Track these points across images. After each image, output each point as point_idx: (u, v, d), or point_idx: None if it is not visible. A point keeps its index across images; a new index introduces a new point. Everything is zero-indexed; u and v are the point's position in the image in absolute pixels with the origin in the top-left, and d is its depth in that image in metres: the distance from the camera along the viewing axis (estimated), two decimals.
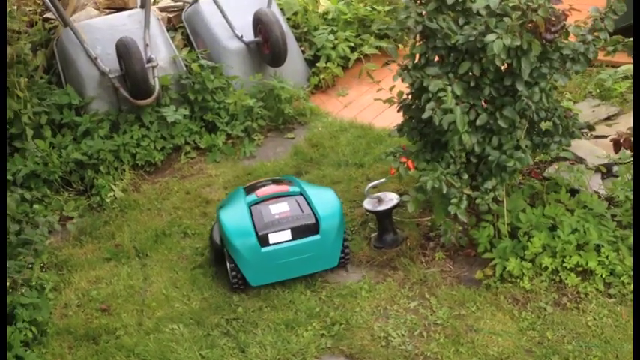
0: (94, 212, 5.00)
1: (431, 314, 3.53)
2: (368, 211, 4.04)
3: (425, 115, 3.26)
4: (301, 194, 3.97)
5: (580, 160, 4.28)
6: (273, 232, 3.75)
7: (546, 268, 3.51)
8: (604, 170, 4.08)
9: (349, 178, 4.94)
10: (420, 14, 3.36)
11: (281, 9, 6.54)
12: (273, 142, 5.69)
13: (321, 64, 6.32)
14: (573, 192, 3.96)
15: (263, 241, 3.74)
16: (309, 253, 3.79)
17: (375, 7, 6.63)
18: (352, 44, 6.39)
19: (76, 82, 5.66)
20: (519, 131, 3.44)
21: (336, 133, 5.62)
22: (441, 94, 3.15)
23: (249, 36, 6.17)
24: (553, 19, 3.08)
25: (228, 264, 3.86)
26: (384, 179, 4.09)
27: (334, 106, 6.08)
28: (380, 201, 4.01)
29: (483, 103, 3.49)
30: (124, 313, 3.90)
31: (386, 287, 3.77)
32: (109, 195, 5.08)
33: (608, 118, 4.87)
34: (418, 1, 3.48)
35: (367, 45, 6.44)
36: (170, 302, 3.96)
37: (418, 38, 3.45)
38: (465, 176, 3.43)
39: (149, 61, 5.54)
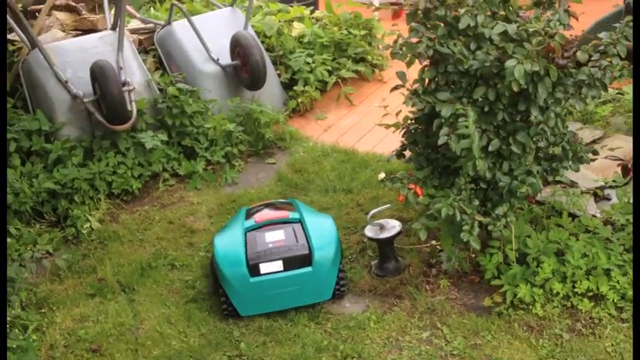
0: (70, 245, 4.75)
1: (445, 344, 3.44)
2: (370, 238, 3.94)
3: (441, 142, 3.19)
4: (300, 221, 3.84)
5: (572, 184, 4.27)
6: (264, 262, 3.65)
7: (557, 293, 3.47)
8: (601, 194, 4.09)
9: (339, 204, 4.83)
10: (431, 39, 3.30)
11: (256, 31, 6.42)
12: (255, 167, 5.55)
13: (298, 87, 6.23)
14: (571, 216, 3.94)
15: (253, 270, 3.65)
16: (300, 286, 3.69)
17: (350, 30, 6.58)
18: (329, 67, 6.32)
19: (44, 106, 5.41)
20: (529, 156, 3.40)
21: (319, 157, 5.51)
22: (460, 119, 3.08)
23: (225, 59, 6.03)
24: (565, 44, 3.07)
25: (220, 290, 3.76)
26: (388, 205, 4.00)
27: (314, 130, 5.99)
28: (382, 228, 3.92)
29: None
30: (118, 354, 3.69)
31: (394, 317, 3.66)
32: (85, 226, 4.84)
33: (593, 142, 4.90)
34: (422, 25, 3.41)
35: (345, 69, 6.37)
36: (166, 340, 3.76)
37: (427, 63, 3.37)
38: (476, 202, 3.37)
39: (124, 84, 5.34)
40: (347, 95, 6.27)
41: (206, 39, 6.06)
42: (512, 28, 3.07)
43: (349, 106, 6.26)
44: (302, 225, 3.82)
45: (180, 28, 6.21)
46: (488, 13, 3.33)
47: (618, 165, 3.55)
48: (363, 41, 6.60)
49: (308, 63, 6.27)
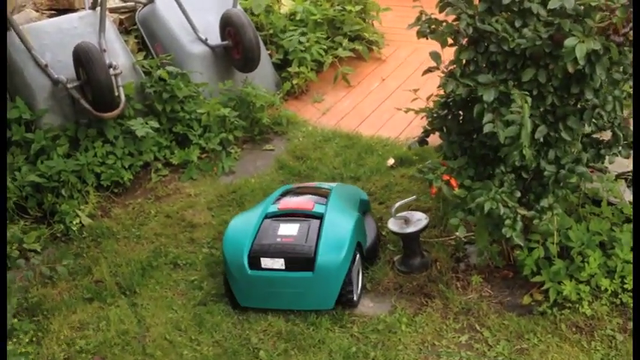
0: (60, 243, 4.37)
1: (488, 350, 3.19)
2: (394, 233, 3.65)
3: (487, 129, 2.90)
4: (321, 217, 3.55)
5: (602, 169, 4.03)
6: (266, 256, 3.43)
7: (605, 290, 3.23)
8: None
9: None
10: (471, 15, 3.00)
11: (244, 9, 6.04)
12: (252, 154, 5.21)
13: (293, 68, 5.87)
14: (599, 203, 3.70)
15: (254, 263, 3.44)
16: (300, 289, 3.46)
17: (344, 6, 6.23)
18: (324, 47, 5.98)
19: (24, 93, 4.98)
20: (578, 143, 3.14)
21: (320, 143, 5.20)
22: (513, 105, 2.79)
23: (213, 39, 5.65)
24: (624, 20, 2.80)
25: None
26: (414, 197, 3.71)
27: (311, 114, 5.66)
28: (407, 221, 3.64)
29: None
30: None
31: (427, 319, 3.39)
32: (74, 222, 4.46)
33: None
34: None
35: (341, 48, 6.04)
36: (177, 349, 3.44)
37: (465, 42, 3.07)
38: (517, 194, 3.10)
39: (110, 68, 4.93)
40: (345, 76, 5.95)
41: (192, 17, 5.66)
42: (570, 3, 2.77)
43: (347, 87, 5.94)
44: (321, 222, 3.52)
45: (164, 6, 5.79)
46: None
47: None
48: (358, 18, 6.25)
49: (301, 42, 5.92)
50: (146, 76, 5.30)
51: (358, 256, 3.58)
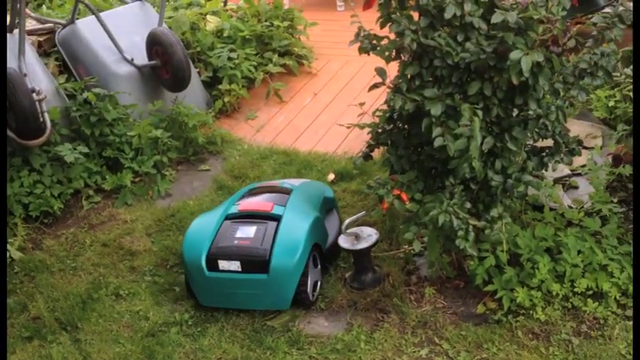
0: None
1: None
2: (345, 249, 3.62)
3: (437, 143, 2.91)
4: (278, 219, 3.61)
5: (537, 175, 4.14)
6: (224, 259, 3.49)
7: (557, 295, 3.30)
8: (575, 183, 3.98)
9: None
10: (414, 31, 3.02)
11: (169, 27, 5.90)
12: (187, 175, 5.08)
13: (224, 86, 5.78)
14: (540, 209, 3.79)
15: (212, 264, 3.51)
16: (256, 290, 3.53)
17: (272, 22, 6.19)
18: (254, 63, 5.92)
19: None
20: (523, 153, 3.20)
21: (257, 161, 5.13)
22: (464, 119, 2.81)
23: (139, 58, 5.49)
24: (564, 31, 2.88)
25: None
26: (363, 212, 3.69)
27: (245, 131, 5.58)
28: (357, 238, 3.61)
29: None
30: None
31: (385, 335, 3.37)
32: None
33: None
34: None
35: (271, 63, 5.99)
36: None
37: (409, 57, 3.09)
38: (467, 205, 3.13)
39: (34, 93, 4.71)
40: (277, 91, 5.90)
41: (116, 37, 5.49)
42: (512, 17, 2.83)
43: (280, 102, 5.90)
44: (278, 224, 3.58)
45: (85, 26, 5.59)
46: None
47: (608, 155, 3.43)
48: (286, 33, 6.23)
49: (231, 59, 5.83)
50: (70, 100, 5.10)
51: (317, 256, 3.66)
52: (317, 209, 3.82)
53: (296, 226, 3.57)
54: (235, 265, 3.47)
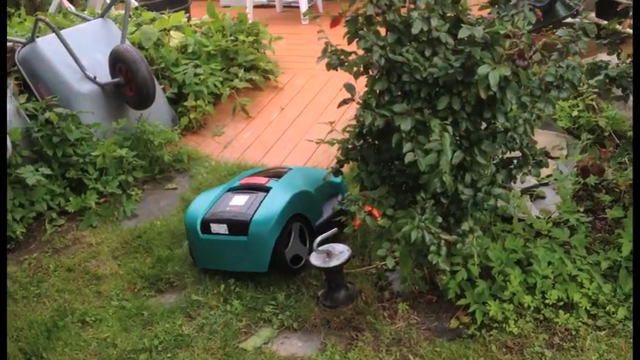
0: None
1: None
2: (317, 267, 3.57)
3: (408, 159, 2.88)
4: (268, 190, 3.95)
5: (504, 186, 4.14)
6: (215, 222, 3.84)
7: (528, 307, 3.29)
8: (542, 194, 4.00)
9: None
10: (382, 47, 2.99)
11: (132, 43, 5.82)
12: (154, 195, 4.99)
13: (189, 102, 5.71)
14: (509, 220, 3.79)
15: (205, 227, 3.86)
16: (238, 252, 3.81)
17: (237, 37, 6.14)
18: (220, 78, 5.86)
19: None
20: (492, 166, 3.19)
21: (225, 177, 5.05)
22: (434, 135, 2.79)
23: (102, 76, 5.40)
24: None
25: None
26: (335, 229, 3.64)
27: (213, 148, 5.51)
28: (329, 255, 3.56)
29: None
30: None
31: (359, 354, 3.32)
32: None
33: None
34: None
35: (237, 79, 5.94)
36: None
37: (376, 73, 3.06)
38: (439, 219, 3.10)
39: None
40: (243, 107, 5.85)
41: (78, 55, 5.38)
42: (479, 32, 2.82)
43: (247, 118, 5.84)
44: (266, 194, 3.91)
45: (46, 44, 5.48)
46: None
47: (575, 166, 3.45)
48: (251, 48, 6.18)
49: (196, 75, 5.77)
50: (32, 120, 4.98)
51: (304, 230, 3.95)
52: (309, 186, 4.06)
53: (279, 196, 3.88)
54: (223, 228, 3.80)
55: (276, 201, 3.83)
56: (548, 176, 4.07)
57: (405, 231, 2.97)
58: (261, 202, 3.84)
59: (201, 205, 3.97)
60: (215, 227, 3.82)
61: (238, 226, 3.76)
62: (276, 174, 4.19)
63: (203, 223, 3.85)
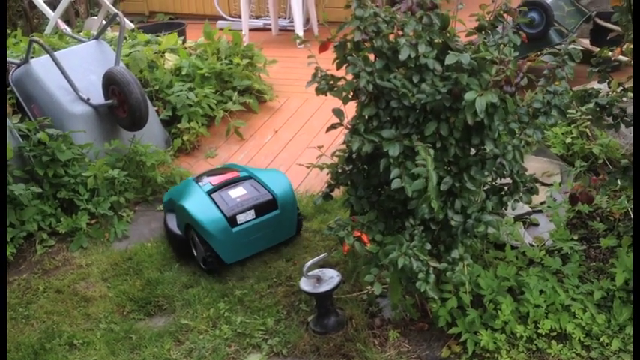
0: None
1: None
2: (307, 292, 3.55)
3: (394, 186, 2.88)
4: (251, 177, 4.35)
5: (497, 213, 4.13)
6: (239, 213, 4.10)
7: (520, 337, 3.26)
8: (535, 221, 3.99)
9: None
10: (370, 72, 3.00)
11: (126, 65, 5.84)
12: (145, 216, 4.97)
13: (183, 124, 5.71)
14: (502, 247, 3.77)
15: (232, 222, 4.08)
16: (272, 228, 4.20)
17: (232, 60, 6.17)
18: (214, 101, 5.87)
19: None
20: (482, 192, 3.19)
21: None
22: (417, 158, 2.79)
23: (95, 98, 5.41)
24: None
25: (197, 249, 4.19)
26: (324, 254, 3.63)
27: (205, 170, 5.48)
28: (319, 280, 3.54)
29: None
30: None
31: None
32: None
33: None
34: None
35: (231, 101, 5.95)
36: None
37: (365, 98, 3.06)
38: (428, 246, 3.09)
39: None
40: (237, 129, 5.85)
41: (72, 76, 5.40)
42: (465, 58, 2.83)
43: (240, 140, 5.84)
44: (255, 180, 4.32)
45: (40, 66, 5.49)
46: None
47: (566, 193, 3.44)
48: (246, 71, 6.20)
49: (190, 97, 5.77)
50: (24, 140, 4.97)
51: None
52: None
53: (271, 174, 4.44)
54: (251, 214, 4.11)
55: (275, 177, 4.35)
56: (541, 203, 4.06)
57: (392, 258, 2.95)
58: (262, 184, 4.26)
59: (208, 208, 4.14)
60: (241, 217, 4.10)
61: (266, 205, 4.16)
62: (229, 171, 4.51)
63: (229, 219, 4.07)
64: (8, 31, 7.34)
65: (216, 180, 4.35)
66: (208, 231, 4.05)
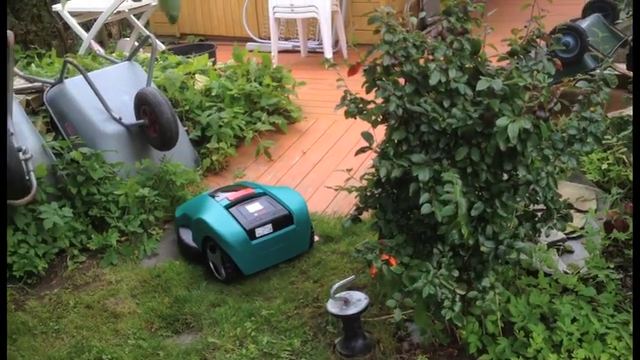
0: None
1: None
2: (334, 315, 3.56)
3: (424, 210, 2.88)
4: (265, 194, 4.54)
5: (530, 239, 4.09)
6: (258, 226, 4.29)
7: None
8: (570, 248, 3.95)
9: (280, 272, 4.43)
10: (399, 97, 3.03)
11: (158, 86, 5.93)
12: (174, 234, 5.02)
13: (212, 144, 5.78)
14: (535, 273, 3.73)
15: (251, 235, 4.25)
16: (287, 242, 4.38)
17: (261, 81, 6.24)
18: (243, 121, 5.94)
19: None
20: (514, 218, 3.18)
21: None
22: (447, 186, 2.80)
23: (127, 117, 5.50)
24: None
25: (215, 260, 4.37)
26: (352, 277, 3.63)
27: None
28: (346, 302, 3.55)
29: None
30: None
31: None
32: None
33: None
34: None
35: (260, 122, 6.01)
36: None
37: (394, 122, 3.09)
38: (456, 273, 3.07)
39: (20, 152, 4.68)
40: (266, 149, 5.91)
41: (105, 97, 5.50)
42: (497, 84, 2.84)
43: (268, 161, 5.89)
44: (270, 196, 4.51)
45: (73, 85, 5.60)
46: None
47: (601, 219, 3.39)
48: (275, 92, 6.27)
49: (220, 118, 5.85)
50: (57, 158, 5.07)
51: None
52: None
53: (285, 191, 4.65)
54: (268, 228, 4.29)
55: (289, 193, 4.56)
56: (581, 229, 3.99)
57: (417, 286, 2.94)
58: (277, 200, 4.43)
59: (227, 220, 4.31)
60: (260, 231, 4.27)
61: (282, 220, 4.34)
62: (245, 187, 4.70)
63: (248, 232, 4.23)
64: (42, 52, 7.52)
65: (232, 196, 4.51)
66: (229, 243, 4.20)
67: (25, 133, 5.06)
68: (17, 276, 4.47)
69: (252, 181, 5.60)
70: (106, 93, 5.51)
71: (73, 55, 6.60)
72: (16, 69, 5.92)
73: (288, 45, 8.80)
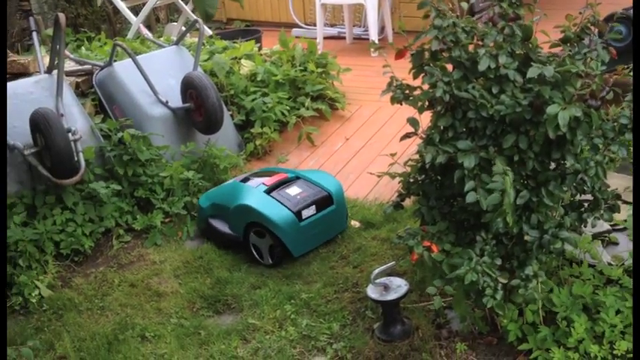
0: (18, 316, 4.14)
1: None
2: (374, 300, 3.56)
3: (469, 199, 2.86)
4: (299, 177, 4.62)
5: (575, 229, 4.02)
6: (303, 208, 4.37)
7: (595, 357, 3.16)
8: (614, 239, 3.88)
9: (320, 257, 4.45)
10: (447, 83, 3.00)
11: (204, 71, 5.98)
12: (199, 225, 5.07)
13: (256, 129, 5.82)
14: (578, 264, 3.67)
15: (298, 216, 4.33)
16: (329, 222, 4.48)
17: (306, 67, 6.24)
18: (287, 107, 5.95)
19: None
20: (560, 208, 3.13)
21: None
22: (497, 177, 2.77)
23: (173, 101, 5.57)
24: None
25: (262, 245, 4.41)
26: (392, 263, 3.63)
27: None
28: (386, 288, 3.55)
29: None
30: None
31: None
32: (33, 294, 4.24)
33: None
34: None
35: (304, 107, 6.02)
36: None
37: (441, 108, 3.06)
38: (498, 261, 3.05)
39: (69, 133, 4.78)
40: (309, 135, 5.92)
41: (152, 80, 5.57)
42: (549, 71, 2.79)
43: (311, 147, 5.90)
44: (304, 179, 4.58)
45: (122, 68, 5.69)
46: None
47: None
48: (320, 78, 6.27)
49: (265, 103, 5.88)
50: (105, 140, 5.16)
51: None
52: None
53: (318, 174, 4.75)
54: (312, 209, 4.39)
55: (323, 175, 4.69)
56: (624, 221, 3.92)
57: (459, 273, 2.92)
58: (313, 182, 4.53)
59: (273, 204, 4.36)
60: (305, 212, 4.35)
61: (324, 201, 4.43)
62: (276, 173, 4.73)
63: (295, 214, 4.31)
64: (92, 35, 7.65)
65: (268, 181, 4.56)
66: (280, 226, 4.26)
67: (74, 114, 5.17)
68: (64, 254, 4.58)
69: (296, 166, 5.62)
70: (154, 76, 5.58)
71: (122, 39, 6.70)
72: (66, 51, 6.04)
73: (334, 31, 8.79)
